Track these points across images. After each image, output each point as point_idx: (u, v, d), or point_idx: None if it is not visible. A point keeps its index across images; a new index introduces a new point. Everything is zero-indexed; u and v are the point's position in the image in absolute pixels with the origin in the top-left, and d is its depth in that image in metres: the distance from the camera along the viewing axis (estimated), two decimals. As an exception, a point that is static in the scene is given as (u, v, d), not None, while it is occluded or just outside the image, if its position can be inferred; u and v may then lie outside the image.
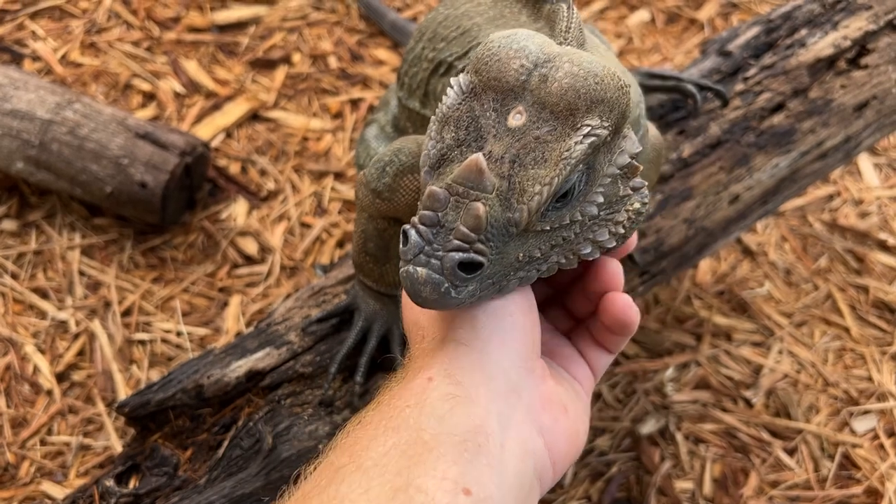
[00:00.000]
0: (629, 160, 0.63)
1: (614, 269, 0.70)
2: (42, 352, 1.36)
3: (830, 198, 1.65)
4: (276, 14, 1.88)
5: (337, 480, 0.53)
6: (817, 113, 1.22)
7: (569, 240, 0.61)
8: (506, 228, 0.57)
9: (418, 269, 0.56)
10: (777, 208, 1.31)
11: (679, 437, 1.32)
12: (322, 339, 1.00)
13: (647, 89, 1.22)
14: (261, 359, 0.99)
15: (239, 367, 0.98)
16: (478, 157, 0.56)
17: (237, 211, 1.55)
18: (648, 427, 1.32)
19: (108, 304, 1.41)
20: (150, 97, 1.71)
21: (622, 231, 0.65)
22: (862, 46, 1.26)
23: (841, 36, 1.26)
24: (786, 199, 1.29)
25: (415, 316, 0.66)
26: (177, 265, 1.47)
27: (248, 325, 1.40)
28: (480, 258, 0.56)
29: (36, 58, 1.74)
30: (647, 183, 0.66)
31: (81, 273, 1.45)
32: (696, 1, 1.99)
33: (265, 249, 1.51)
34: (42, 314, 1.40)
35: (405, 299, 0.68)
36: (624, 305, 0.68)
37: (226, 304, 1.43)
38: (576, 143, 0.58)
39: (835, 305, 1.49)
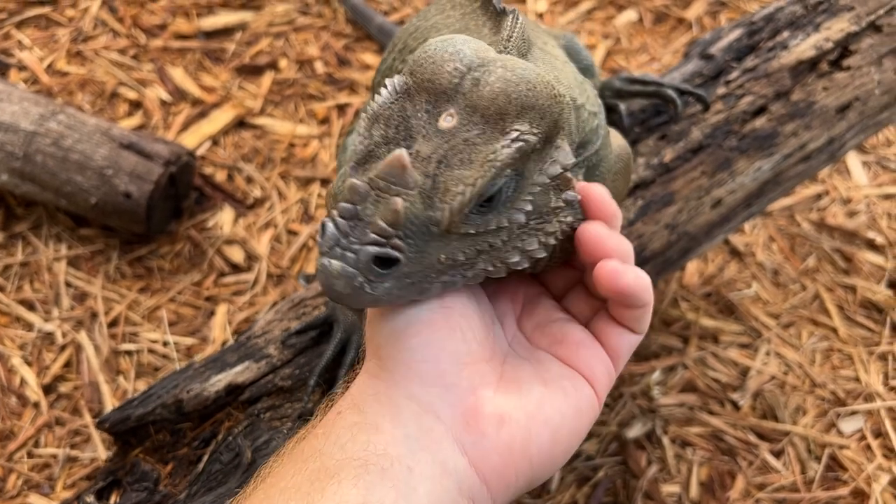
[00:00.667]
0: (561, 171, 0.62)
1: (593, 233, 0.65)
2: (29, 364, 1.36)
3: (818, 197, 1.65)
4: (263, 20, 1.88)
5: None
6: (800, 115, 1.22)
7: (496, 247, 0.60)
8: (426, 227, 0.56)
9: (333, 261, 0.55)
10: (761, 211, 1.31)
11: (666, 440, 1.32)
12: (301, 352, 1.00)
13: (627, 94, 1.21)
14: (240, 372, 0.99)
15: (218, 382, 0.99)
16: (401, 153, 0.56)
17: (223, 219, 1.55)
18: (635, 431, 1.32)
19: (94, 315, 1.41)
20: (136, 105, 1.71)
21: (553, 242, 0.64)
22: (844, 48, 1.25)
23: (823, 38, 1.25)
24: (770, 202, 1.29)
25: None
26: (163, 275, 1.47)
27: (234, 334, 1.40)
28: (396, 254, 0.55)
29: (22, 67, 1.74)
30: (579, 197, 0.65)
31: (68, 284, 1.45)
32: (683, 0, 1.98)
33: (252, 257, 1.51)
34: (28, 326, 1.40)
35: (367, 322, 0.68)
36: (610, 272, 0.62)
37: (212, 314, 1.43)
38: (503, 146, 0.57)
39: (822, 306, 1.49)
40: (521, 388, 0.63)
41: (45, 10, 1.85)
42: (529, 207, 0.61)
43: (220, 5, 1.90)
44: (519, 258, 0.62)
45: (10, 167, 1.42)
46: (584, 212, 0.66)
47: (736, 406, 1.36)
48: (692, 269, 1.52)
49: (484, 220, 0.59)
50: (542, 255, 0.64)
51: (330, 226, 0.56)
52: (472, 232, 0.58)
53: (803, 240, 1.58)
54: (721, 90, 1.24)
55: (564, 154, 0.63)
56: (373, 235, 0.55)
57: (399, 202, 0.55)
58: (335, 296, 0.56)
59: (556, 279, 0.73)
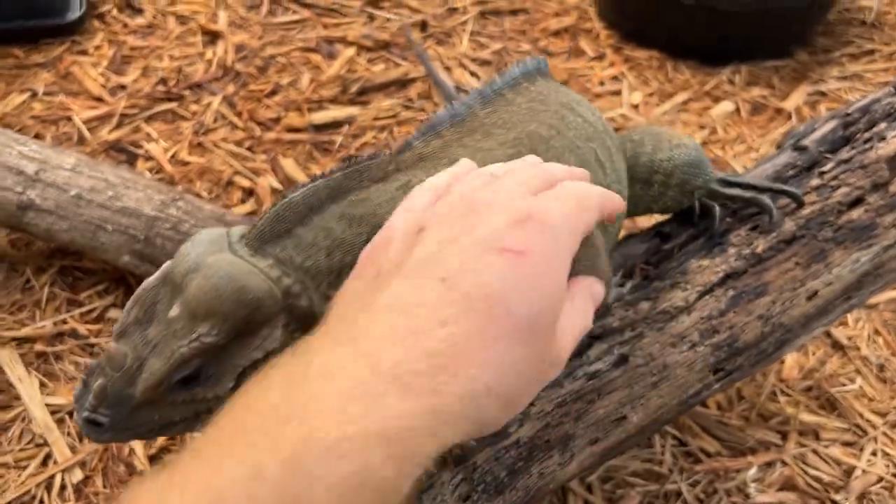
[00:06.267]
0: (263, 356, 0.72)
1: None
2: (138, 434, 1.44)
3: (928, 290, 1.59)
4: (369, 114, 1.99)
5: None
6: (899, 207, 1.20)
7: (214, 410, 0.69)
8: (126, 400, 0.70)
9: (76, 413, 0.71)
10: (863, 303, 1.27)
11: (763, 541, 1.27)
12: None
13: (722, 197, 1.20)
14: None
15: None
16: (113, 348, 0.70)
17: (324, 301, 1.62)
18: (730, 529, 1.28)
19: (200, 390, 1.49)
20: (249, 193, 1.83)
21: None
22: (945, 139, 1.23)
23: (922, 129, 1.24)
24: (871, 295, 1.26)
25: None
26: (265, 353, 1.54)
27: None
28: (102, 419, 0.69)
29: (149, 157, 1.90)
30: None
31: (178, 359, 1.54)
32: (783, 91, 1.99)
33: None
34: (140, 398, 1.49)
35: None
36: None
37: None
38: (182, 345, 0.69)
39: (934, 405, 1.42)
40: None
41: (172, 105, 2.02)
42: (232, 383, 0.72)
43: (330, 101, 2.03)
44: None
45: (132, 249, 1.54)
46: None
47: (839, 508, 1.30)
48: (791, 363, 1.48)
49: (191, 393, 0.71)
50: None
51: (77, 387, 0.72)
52: (181, 400, 0.71)
53: (912, 334, 1.52)
54: (815, 181, 1.23)
55: (271, 341, 0.73)
56: (88, 402, 0.70)
57: (101, 383, 0.69)
58: (87, 436, 0.72)
59: None
